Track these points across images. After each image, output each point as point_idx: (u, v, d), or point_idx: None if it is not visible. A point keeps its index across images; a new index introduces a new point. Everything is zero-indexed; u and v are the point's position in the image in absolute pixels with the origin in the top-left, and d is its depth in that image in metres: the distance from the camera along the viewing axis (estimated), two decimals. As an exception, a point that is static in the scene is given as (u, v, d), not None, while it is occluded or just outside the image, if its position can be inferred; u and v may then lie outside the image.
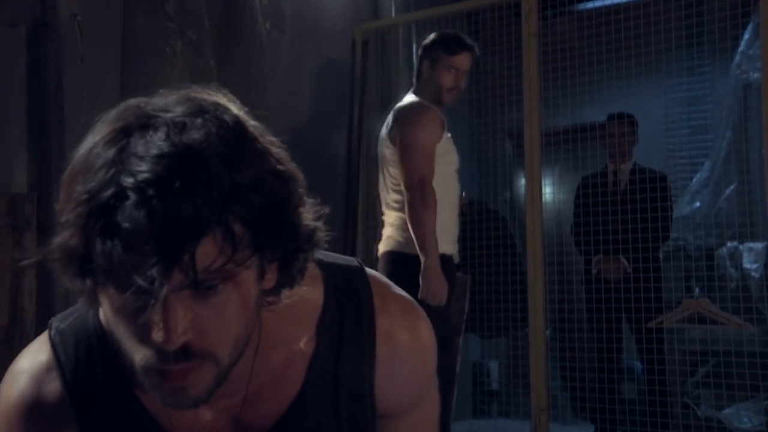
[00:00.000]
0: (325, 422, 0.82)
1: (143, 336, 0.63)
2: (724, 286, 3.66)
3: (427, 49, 2.68)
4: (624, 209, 3.42)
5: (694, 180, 3.94)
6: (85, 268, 0.62)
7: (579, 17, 3.87)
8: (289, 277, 0.71)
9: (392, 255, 2.58)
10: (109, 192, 0.59)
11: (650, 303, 3.40)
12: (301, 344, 0.81)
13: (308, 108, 3.71)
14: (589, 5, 4.21)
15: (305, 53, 3.68)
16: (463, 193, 3.66)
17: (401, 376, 0.84)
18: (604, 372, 3.50)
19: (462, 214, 3.67)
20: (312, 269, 0.79)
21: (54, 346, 0.82)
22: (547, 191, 4.00)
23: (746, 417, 3.54)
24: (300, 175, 0.69)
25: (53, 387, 0.81)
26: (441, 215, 2.50)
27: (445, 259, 2.50)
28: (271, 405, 0.80)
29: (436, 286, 2.38)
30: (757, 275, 3.65)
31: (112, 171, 0.60)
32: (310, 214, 0.70)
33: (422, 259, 2.40)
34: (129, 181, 0.59)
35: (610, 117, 3.71)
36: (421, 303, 2.45)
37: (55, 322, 0.84)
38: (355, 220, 3.96)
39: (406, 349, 0.83)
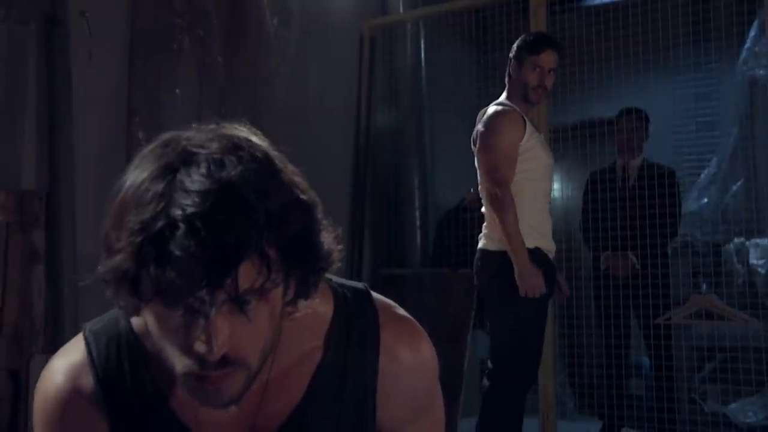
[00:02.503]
0: (327, 424, 0.88)
1: (186, 347, 0.71)
2: (731, 282, 3.66)
3: (514, 50, 2.74)
4: (633, 205, 3.41)
5: (702, 176, 3.94)
6: (134, 288, 0.69)
7: (587, 13, 3.86)
8: (305, 290, 0.79)
9: (480, 252, 2.65)
10: (161, 223, 0.66)
11: (658, 299, 3.39)
12: (311, 351, 0.88)
13: (316, 104, 3.70)
14: (597, 1, 4.20)
15: (313, 49, 3.67)
16: (471, 189, 3.66)
17: (402, 388, 0.90)
18: (611, 368, 3.51)
19: (469, 210, 3.67)
20: (323, 287, 0.89)
21: (87, 345, 0.89)
22: (555, 187, 3.99)
23: (751, 411, 3.55)
24: (318, 202, 0.78)
25: (86, 382, 0.87)
26: (530, 210, 2.56)
27: (537, 253, 2.54)
28: (281, 405, 0.87)
29: (529, 279, 2.47)
30: (763, 271, 3.66)
31: (162, 204, 0.67)
32: (328, 236, 0.79)
33: (512, 258, 2.48)
34: (178, 213, 0.66)
35: (621, 112, 3.70)
36: (519, 299, 2.46)
37: (89, 324, 0.92)
38: (362, 216, 3.96)
39: (407, 364, 0.90)
